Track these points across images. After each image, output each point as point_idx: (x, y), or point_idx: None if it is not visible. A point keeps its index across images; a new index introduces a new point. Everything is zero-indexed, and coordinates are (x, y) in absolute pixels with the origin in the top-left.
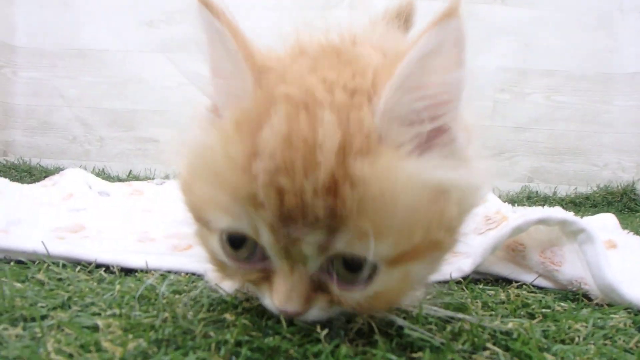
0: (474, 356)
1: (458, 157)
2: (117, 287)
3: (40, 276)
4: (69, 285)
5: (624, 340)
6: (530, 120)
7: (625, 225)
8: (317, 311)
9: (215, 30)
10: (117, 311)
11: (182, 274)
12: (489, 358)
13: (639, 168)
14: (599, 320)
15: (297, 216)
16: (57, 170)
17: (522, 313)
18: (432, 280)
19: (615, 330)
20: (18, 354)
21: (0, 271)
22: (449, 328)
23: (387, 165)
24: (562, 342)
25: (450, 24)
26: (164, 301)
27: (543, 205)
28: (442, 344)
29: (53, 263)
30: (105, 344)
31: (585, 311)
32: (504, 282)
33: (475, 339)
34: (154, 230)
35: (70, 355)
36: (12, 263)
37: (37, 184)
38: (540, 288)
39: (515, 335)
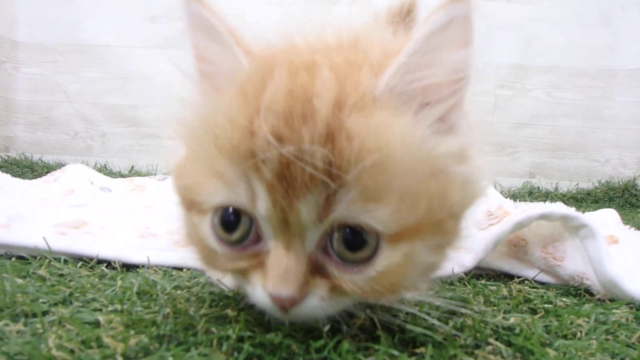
0: (476, 351)
1: (456, 134)
2: (119, 282)
3: (42, 272)
4: (70, 281)
5: (626, 336)
6: (531, 116)
7: (626, 220)
8: (315, 300)
9: (201, 18)
10: (118, 307)
11: (184, 269)
12: (491, 353)
13: None
14: (601, 316)
15: (295, 168)
16: (59, 165)
17: (524, 308)
18: (434, 276)
19: (617, 326)
20: (19, 350)
21: (2, 267)
22: (451, 323)
23: (382, 122)
24: (564, 337)
25: (459, 6)
26: (166, 297)
27: (545, 201)
28: (445, 339)
29: (54, 259)
30: (107, 340)
31: (587, 306)
32: (506, 277)
33: (478, 334)
34: (155, 225)
35: (72, 351)
36: (13, 259)
37: (38, 180)
38: (542, 283)
39: (517, 331)
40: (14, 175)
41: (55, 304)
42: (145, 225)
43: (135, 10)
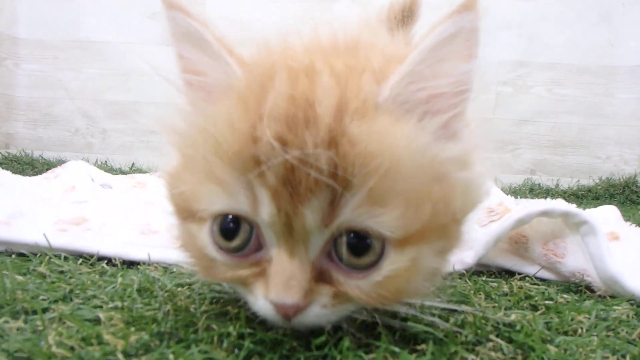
0: (477, 348)
1: (458, 141)
2: (119, 279)
3: (42, 269)
4: (70, 278)
5: (626, 332)
6: (532, 113)
7: (627, 217)
8: (318, 308)
9: (188, 29)
10: (119, 304)
11: (185, 266)
12: (492, 350)
13: None
14: (601, 312)
15: (300, 173)
16: (59, 162)
17: (525, 305)
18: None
19: (618, 322)
20: (19, 347)
21: (2, 264)
22: (452, 320)
23: (385, 127)
24: (565, 333)
25: (466, 17)
26: (166, 294)
27: (545, 198)
28: (446, 336)
29: (55, 256)
30: (107, 337)
31: (588, 303)
32: (506, 274)
33: (479, 331)
34: (156, 222)
35: (72, 348)
36: (13, 256)
37: (39, 177)
38: (543, 280)
39: (518, 327)
40: (14, 172)
41: (56, 301)
42: (146, 222)
43: (136, 7)
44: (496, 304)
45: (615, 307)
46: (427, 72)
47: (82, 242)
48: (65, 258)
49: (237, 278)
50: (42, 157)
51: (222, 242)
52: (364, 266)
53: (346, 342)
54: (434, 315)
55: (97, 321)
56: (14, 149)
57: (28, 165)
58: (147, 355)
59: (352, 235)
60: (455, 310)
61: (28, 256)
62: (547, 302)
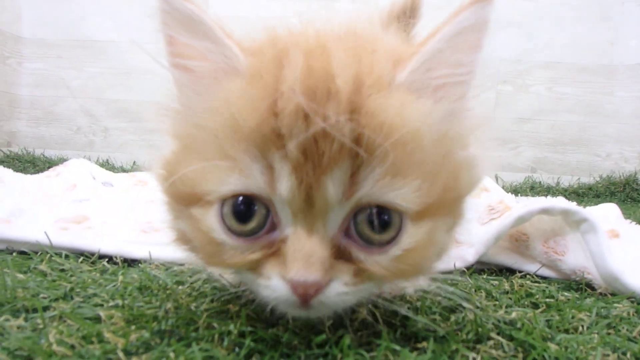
0: (478, 346)
1: (460, 121)
2: (120, 278)
3: (43, 267)
4: (71, 276)
5: (627, 329)
6: (533, 111)
7: (627, 215)
8: (339, 286)
9: (184, 13)
10: (119, 302)
11: (186, 264)
12: (492, 348)
13: None
14: (602, 310)
15: (322, 144)
16: (61, 160)
17: (525, 303)
18: (436, 269)
19: (618, 320)
20: (19, 345)
21: (3, 262)
22: (453, 318)
23: (401, 102)
24: (566, 331)
25: (484, 7)
26: (167, 292)
27: (546, 196)
28: (447, 334)
29: (56, 254)
30: (108, 335)
31: (588, 300)
32: (507, 272)
33: (479, 329)
34: (157, 220)
35: (72, 347)
36: (14, 254)
37: (40, 175)
38: (543, 278)
39: (519, 325)
40: (16, 170)
41: (56, 299)
42: (147, 220)
43: (138, 6)
44: (497, 302)
45: (615, 305)
46: (445, 60)
47: (83, 241)
48: (66, 256)
49: (247, 262)
50: (43, 155)
51: (235, 225)
52: (384, 242)
53: (347, 340)
54: (434, 313)
55: (97, 319)
56: (15, 147)
57: (29, 164)
58: (148, 354)
59: (372, 211)
60: (456, 308)
61: (29, 254)
62: (548, 299)
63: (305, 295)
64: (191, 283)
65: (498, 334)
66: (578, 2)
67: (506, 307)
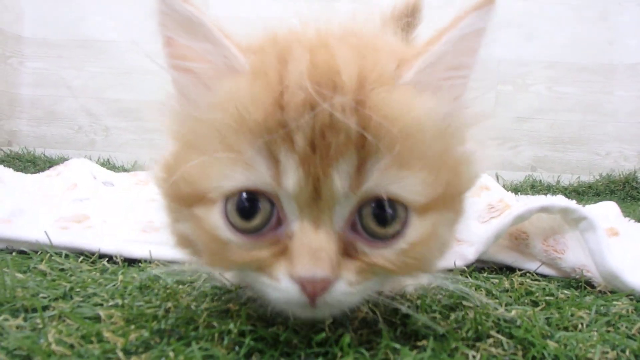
0: (477, 344)
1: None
2: (120, 277)
3: (43, 267)
4: (71, 275)
5: (626, 327)
6: (532, 110)
7: (627, 213)
8: (344, 285)
9: (182, 14)
10: (119, 301)
11: (186, 263)
12: (492, 345)
13: None
14: (601, 307)
15: (329, 135)
16: (61, 160)
17: (525, 301)
18: (439, 268)
19: (617, 317)
20: (18, 345)
21: (2, 261)
22: (453, 316)
23: (405, 96)
24: (565, 329)
25: (488, 12)
26: (168, 291)
27: (547, 194)
28: (446, 332)
29: (56, 253)
30: (107, 335)
31: (588, 298)
32: (507, 270)
33: (479, 327)
34: (158, 219)
35: (71, 346)
36: (14, 253)
37: (41, 174)
38: (543, 276)
39: (518, 323)
40: (16, 169)
41: (56, 299)
42: (147, 220)
43: (139, 6)
44: (497, 300)
45: (615, 303)
46: (449, 62)
47: (83, 240)
48: (66, 256)
49: (254, 260)
50: (44, 155)
51: (240, 222)
52: (390, 235)
53: (347, 339)
54: (434, 312)
55: (97, 319)
56: (16, 147)
57: (30, 163)
58: (147, 353)
59: (377, 204)
60: (456, 307)
61: (29, 254)
62: (547, 297)
63: (314, 292)
64: (191, 282)
65: (498, 332)
66: (578, 2)
67: (506, 305)
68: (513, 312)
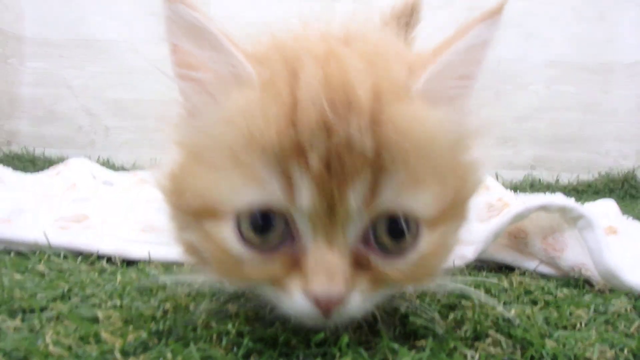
0: (476, 343)
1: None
2: (119, 278)
3: (41, 267)
4: (69, 276)
5: (625, 326)
6: (532, 109)
7: (626, 211)
8: (358, 297)
9: (189, 21)
10: (117, 302)
11: (185, 264)
12: (491, 345)
13: (639, 155)
14: (600, 306)
15: (344, 155)
16: (61, 159)
17: (524, 300)
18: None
19: (616, 316)
20: (15, 346)
21: (0, 262)
22: (451, 316)
23: (419, 110)
24: (564, 328)
25: (496, 22)
26: (166, 292)
27: (546, 193)
28: (446, 331)
29: (54, 254)
30: (105, 335)
31: (586, 297)
32: (506, 269)
33: (478, 326)
34: (158, 220)
35: (69, 347)
36: (12, 253)
37: (40, 174)
38: (542, 275)
39: (517, 322)
40: (16, 169)
41: (54, 300)
42: (147, 220)
43: (140, 5)
44: (496, 299)
45: (613, 301)
46: (456, 71)
47: (82, 240)
48: (65, 256)
49: (268, 276)
50: (43, 155)
51: (254, 238)
52: (402, 249)
53: (345, 339)
54: (433, 310)
55: (95, 320)
56: (16, 147)
57: (29, 163)
58: (145, 354)
59: (390, 220)
60: (455, 306)
61: (27, 254)
62: (546, 296)
63: (329, 308)
64: (190, 283)
65: (497, 331)
66: (577, 2)
67: (505, 304)
68: (512, 311)
